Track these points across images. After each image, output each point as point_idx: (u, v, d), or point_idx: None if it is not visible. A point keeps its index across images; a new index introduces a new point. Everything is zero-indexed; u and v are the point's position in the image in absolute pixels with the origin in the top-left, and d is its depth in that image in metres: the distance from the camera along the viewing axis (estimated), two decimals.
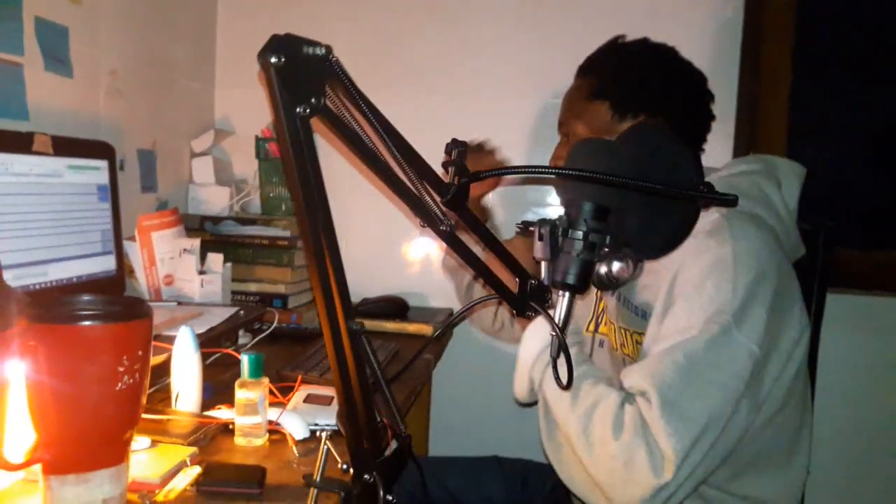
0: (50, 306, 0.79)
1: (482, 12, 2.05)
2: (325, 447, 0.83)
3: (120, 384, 0.78)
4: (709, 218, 1.14)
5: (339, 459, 0.80)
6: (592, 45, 1.35)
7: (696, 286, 1.08)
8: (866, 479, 1.97)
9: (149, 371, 0.82)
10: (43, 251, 1.38)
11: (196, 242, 1.68)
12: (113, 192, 1.58)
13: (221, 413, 1.11)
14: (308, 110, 0.72)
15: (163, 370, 1.17)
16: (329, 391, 1.20)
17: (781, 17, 1.91)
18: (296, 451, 1.03)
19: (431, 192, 0.88)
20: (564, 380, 0.97)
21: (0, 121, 1.35)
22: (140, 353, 0.80)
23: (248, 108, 2.18)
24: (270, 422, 1.07)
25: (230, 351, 1.32)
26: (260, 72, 0.71)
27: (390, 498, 0.82)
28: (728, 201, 1.00)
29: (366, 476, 0.81)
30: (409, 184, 0.84)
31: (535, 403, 1.23)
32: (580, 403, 1.09)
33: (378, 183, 0.82)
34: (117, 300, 0.84)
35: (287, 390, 1.21)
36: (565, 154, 1.28)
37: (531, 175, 0.90)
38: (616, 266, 1.13)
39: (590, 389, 1.10)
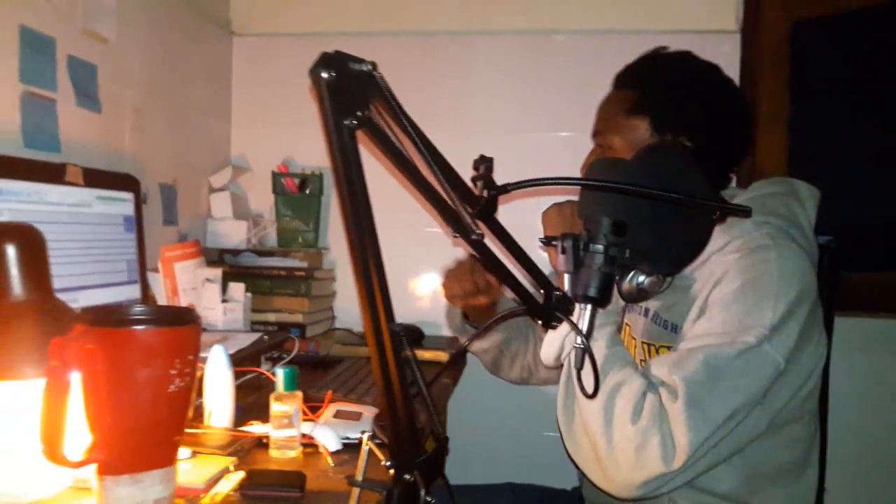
0: (104, 313, 0.83)
1: (483, 54, 2.14)
2: (367, 448, 0.86)
3: (172, 386, 0.81)
4: (754, 235, 1.16)
5: (382, 458, 0.83)
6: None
7: (737, 296, 1.10)
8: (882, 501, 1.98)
9: (197, 376, 0.86)
10: (74, 278, 1.42)
11: (218, 272, 1.72)
12: (138, 223, 1.63)
13: (255, 428, 1.14)
14: (355, 122, 0.76)
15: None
16: (357, 408, 1.23)
17: (776, 50, 1.99)
18: (330, 461, 1.05)
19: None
20: (590, 389, 1.01)
21: (35, 152, 1.40)
22: (190, 357, 0.83)
23: (263, 146, 2.24)
24: (304, 435, 1.10)
25: (263, 371, 1.35)
26: (310, 87, 0.76)
27: (429, 499, 0.85)
28: (742, 212, 1.05)
29: (406, 476, 0.84)
30: (444, 195, 0.89)
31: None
32: (606, 381, 1.10)
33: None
34: (168, 308, 0.88)
35: (316, 409, 1.23)
36: (606, 138, 1.29)
37: (557, 185, 0.94)
38: (647, 280, 1.17)
39: (617, 371, 1.11)
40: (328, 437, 1.09)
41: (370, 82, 0.79)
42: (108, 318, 0.81)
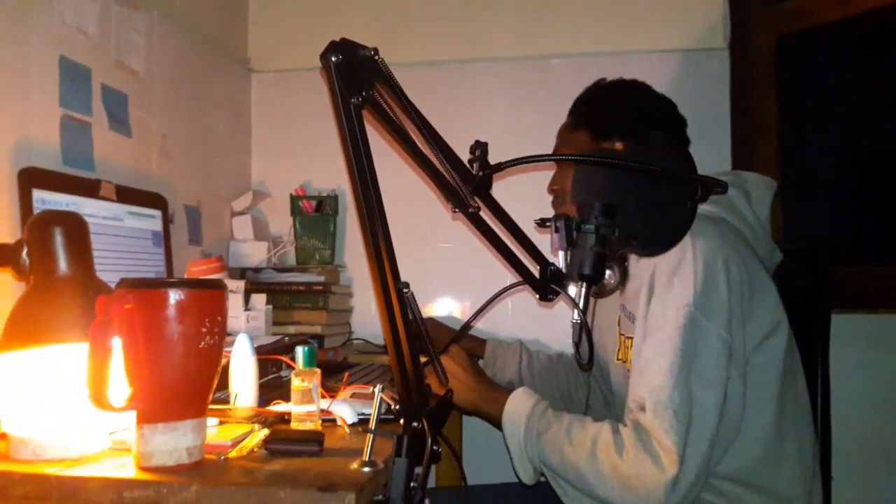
0: (143, 279, 0.93)
1: (482, 80, 2.27)
2: (380, 398, 0.95)
3: (202, 343, 0.91)
4: None
5: (391, 404, 0.92)
6: None
7: (665, 284, 1.20)
8: (888, 494, 2.00)
9: (224, 337, 0.95)
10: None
11: (241, 284, 1.82)
12: (166, 238, 1.74)
13: (277, 407, 1.22)
14: (360, 100, 0.87)
15: (221, 378, 1.28)
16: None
17: (763, 64, 2.09)
18: (347, 430, 1.13)
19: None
20: (586, 358, 1.09)
21: (72, 168, 1.52)
22: (219, 318, 0.93)
23: (281, 174, 2.37)
24: (322, 410, 1.18)
25: (285, 358, 1.44)
26: (321, 70, 0.87)
27: (436, 448, 0.93)
28: (719, 185, 1.14)
29: (415, 423, 0.92)
30: (443, 171, 1.00)
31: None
32: (580, 449, 1.17)
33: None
34: (197, 279, 0.98)
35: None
36: (559, 180, 1.49)
37: (544, 161, 1.04)
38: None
39: (581, 434, 1.18)
40: (345, 411, 1.18)
41: (373, 66, 0.90)
42: (145, 281, 0.92)
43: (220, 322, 0.93)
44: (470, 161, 1.06)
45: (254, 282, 2.03)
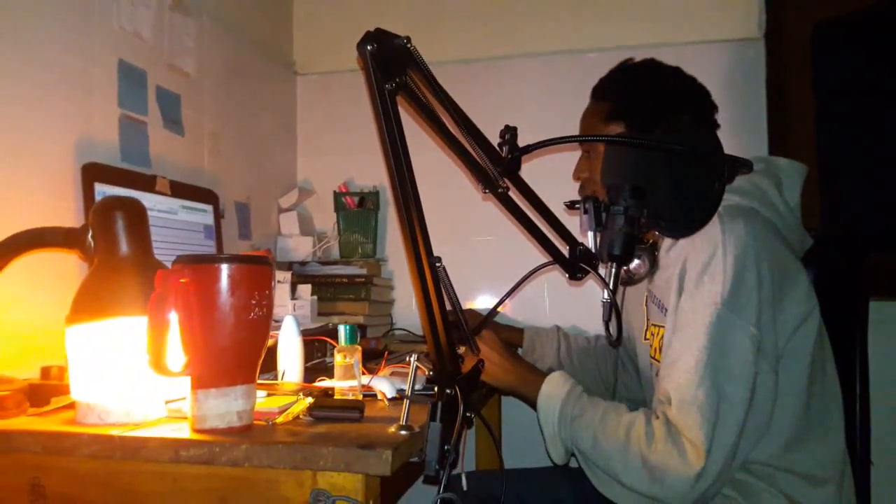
0: (198, 256, 1.01)
1: (519, 76, 2.31)
2: (415, 365, 1.00)
3: (252, 314, 0.98)
4: None
5: (426, 371, 0.97)
6: None
7: (696, 281, 1.21)
8: None
9: (272, 310, 1.02)
10: None
11: (287, 275, 1.91)
12: (217, 232, 1.84)
13: (321, 383, 1.29)
14: (394, 86, 0.94)
15: (270, 355, 1.36)
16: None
17: (799, 53, 2.10)
18: (387, 403, 1.20)
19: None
20: (615, 334, 1.14)
21: (129, 166, 1.62)
22: (267, 291, 1.00)
23: (325, 172, 2.46)
24: (363, 386, 1.25)
25: (328, 338, 1.51)
26: (358, 59, 0.93)
27: (469, 414, 0.98)
28: (746, 165, 1.17)
29: (448, 390, 0.97)
30: (473, 153, 1.05)
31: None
32: (613, 438, 1.20)
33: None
34: (247, 255, 1.05)
35: None
36: (586, 168, 1.45)
37: (571, 142, 1.07)
38: (633, 263, 1.29)
39: (615, 422, 1.21)
40: (385, 386, 1.24)
41: (406, 53, 0.96)
42: (200, 257, 0.99)
43: (268, 296, 1.00)
44: (499, 145, 1.11)
45: (299, 274, 2.12)
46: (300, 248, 2.25)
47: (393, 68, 0.94)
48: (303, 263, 2.18)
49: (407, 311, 2.33)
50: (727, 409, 1.13)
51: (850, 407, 1.47)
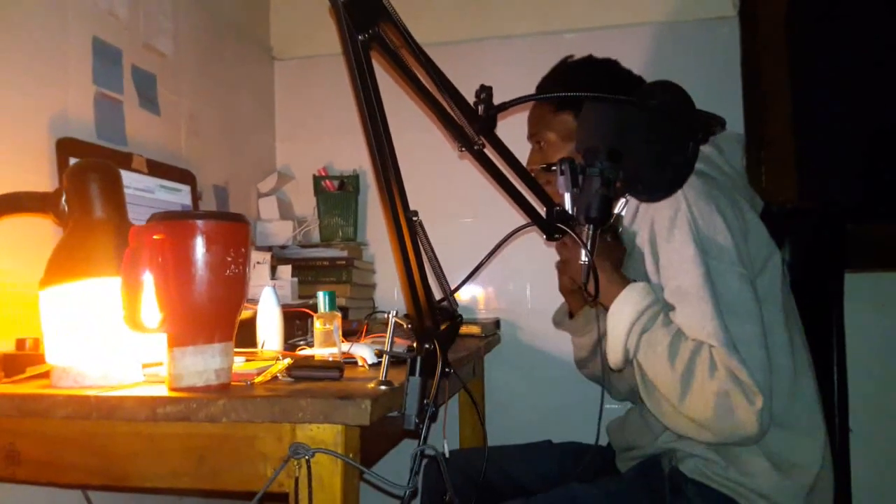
0: (172, 212, 1.00)
1: (497, 58, 2.32)
2: (394, 321, 1.00)
3: (228, 271, 0.97)
4: None
5: (404, 324, 0.97)
6: None
7: (667, 238, 1.26)
8: None
9: (249, 269, 1.02)
10: None
11: (267, 256, 1.89)
12: None
13: (301, 352, 1.29)
14: (367, 37, 0.93)
15: (249, 329, 1.35)
16: None
17: (773, 29, 2.12)
18: (367, 368, 1.19)
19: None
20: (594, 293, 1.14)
21: (105, 143, 1.61)
22: (242, 249, 1.00)
23: (305, 157, 2.45)
24: (344, 353, 1.24)
25: (307, 310, 1.51)
26: (330, 9, 0.93)
27: (448, 370, 0.98)
28: (720, 123, 1.19)
29: (427, 345, 0.97)
30: (448, 109, 1.05)
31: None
32: (679, 360, 1.22)
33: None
34: (221, 212, 1.04)
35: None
36: (538, 160, 1.51)
37: (546, 99, 1.08)
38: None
39: (684, 346, 1.22)
40: (365, 352, 1.23)
41: (378, 6, 0.96)
42: (174, 214, 0.99)
43: (243, 253, 0.99)
44: (475, 104, 1.11)
45: (279, 258, 2.10)
46: (280, 232, 2.24)
47: (366, 19, 0.94)
48: (283, 247, 2.17)
49: (389, 294, 2.32)
50: (746, 350, 1.17)
51: (828, 375, 1.49)
